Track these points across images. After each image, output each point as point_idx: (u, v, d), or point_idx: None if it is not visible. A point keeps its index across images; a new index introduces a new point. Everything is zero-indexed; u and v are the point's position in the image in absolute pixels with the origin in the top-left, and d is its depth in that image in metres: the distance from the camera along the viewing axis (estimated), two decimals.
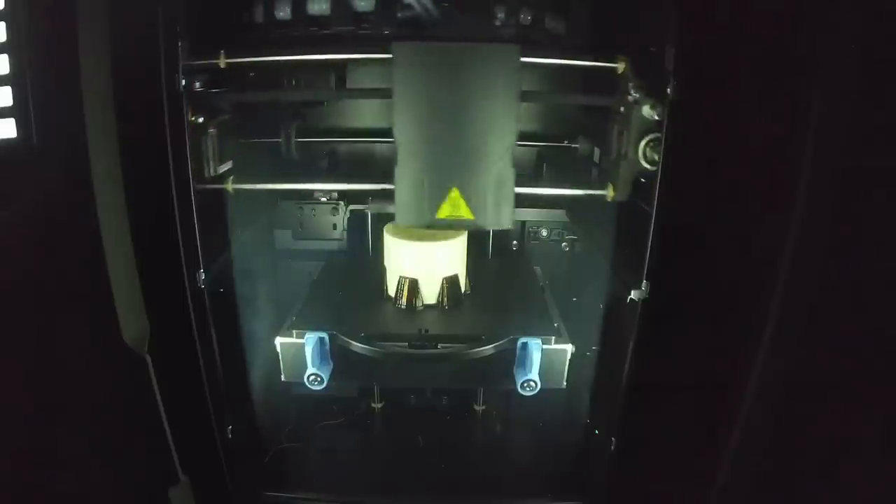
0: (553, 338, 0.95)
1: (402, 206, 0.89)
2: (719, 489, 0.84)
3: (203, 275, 0.92)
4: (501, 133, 0.86)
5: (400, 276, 1.05)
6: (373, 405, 1.23)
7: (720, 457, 0.83)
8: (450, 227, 0.90)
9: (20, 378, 0.74)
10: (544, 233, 1.36)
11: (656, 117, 0.84)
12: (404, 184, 0.88)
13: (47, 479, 0.78)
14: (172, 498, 1.01)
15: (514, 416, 1.24)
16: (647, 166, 0.88)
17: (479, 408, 1.24)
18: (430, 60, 0.84)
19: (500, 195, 0.88)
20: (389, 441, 1.19)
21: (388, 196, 0.91)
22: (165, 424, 0.98)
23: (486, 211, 0.89)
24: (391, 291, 1.07)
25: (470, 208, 0.88)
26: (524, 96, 0.86)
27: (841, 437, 0.70)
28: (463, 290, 1.09)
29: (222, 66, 0.89)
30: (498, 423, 1.24)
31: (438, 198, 0.88)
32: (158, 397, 0.96)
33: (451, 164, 0.87)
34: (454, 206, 0.88)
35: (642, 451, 1.02)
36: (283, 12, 0.99)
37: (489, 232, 1.32)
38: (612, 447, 1.01)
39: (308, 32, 1.00)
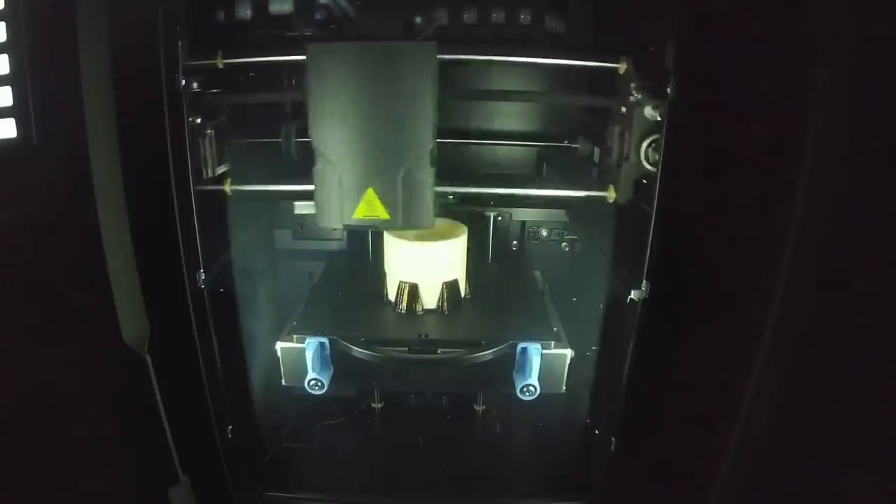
0: (552, 342, 0.96)
1: (321, 206, 0.89)
2: (719, 489, 0.84)
3: (203, 275, 0.92)
4: (417, 132, 0.85)
5: (400, 281, 1.05)
6: (373, 405, 1.24)
7: (720, 457, 0.83)
8: (368, 227, 0.90)
9: (20, 378, 0.74)
10: (544, 233, 1.36)
11: (658, 118, 0.84)
12: (321, 184, 0.88)
13: (47, 478, 0.78)
14: (172, 498, 1.01)
15: (514, 416, 1.24)
16: (649, 167, 0.88)
17: (479, 408, 1.24)
18: (345, 61, 0.82)
19: (416, 195, 0.87)
20: (389, 441, 1.19)
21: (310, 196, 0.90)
22: (165, 424, 0.98)
23: (401, 210, 0.88)
24: (391, 296, 1.07)
25: (385, 208, 0.88)
26: (525, 96, 0.86)
27: (841, 438, 0.70)
28: (463, 294, 1.09)
29: (220, 66, 0.89)
30: (498, 423, 1.24)
31: (355, 198, 0.88)
32: (158, 397, 0.96)
33: (367, 165, 0.86)
34: (370, 205, 0.88)
35: (642, 451, 1.02)
36: (281, 9, 0.99)
37: (489, 232, 1.32)
38: (612, 447, 1.01)
39: (306, 32, 1.00)
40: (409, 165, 0.86)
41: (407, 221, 0.89)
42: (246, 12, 0.98)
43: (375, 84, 0.83)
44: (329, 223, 0.90)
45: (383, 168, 0.86)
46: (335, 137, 0.85)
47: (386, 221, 0.89)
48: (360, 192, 0.87)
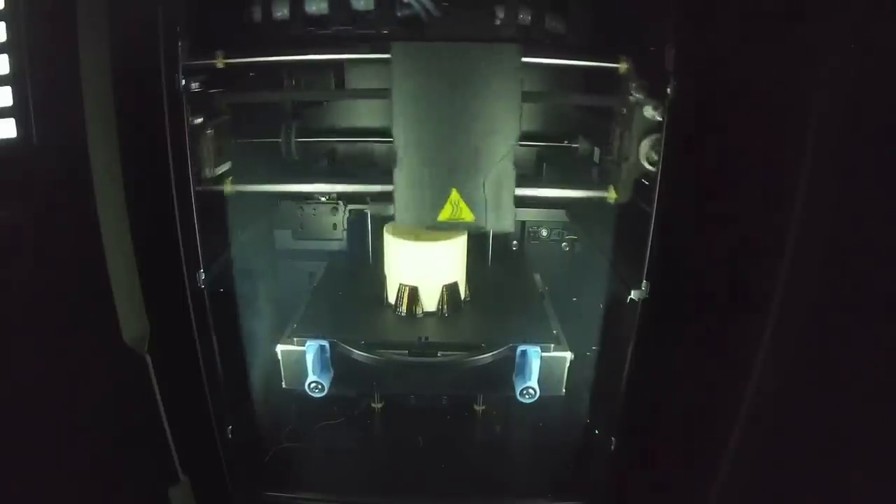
0: (552, 345, 0.96)
1: (402, 207, 0.89)
2: (719, 489, 0.84)
3: (203, 275, 0.92)
4: (502, 134, 0.85)
5: (400, 284, 1.05)
6: (373, 405, 1.23)
7: (720, 457, 0.83)
8: (451, 228, 0.90)
9: (20, 378, 0.74)
10: (544, 233, 1.36)
11: (658, 118, 0.84)
12: (404, 185, 0.88)
13: (47, 478, 0.78)
14: (172, 498, 1.01)
15: (515, 416, 1.24)
16: (650, 167, 0.88)
17: (479, 408, 1.24)
18: (429, 61, 0.83)
19: (500, 197, 0.88)
20: (389, 441, 1.19)
21: (387, 197, 0.90)
22: (165, 424, 0.98)
23: (487, 213, 0.88)
24: (391, 299, 1.07)
25: (471, 210, 0.88)
26: (525, 96, 0.86)
27: (841, 438, 0.70)
28: (462, 297, 1.09)
29: (220, 66, 0.89)
30: (498, 423, 1.24)
31: (439, 199, 0.88)
32: (158, 397, 0.96)
33: (451, 166, 0.87)
34: (455, 207, 0.88)
35: (642, 451, 1.02)
36: (282, 12, 0.99)
37: (489, 232, 1.32)
38: (612, 447, 1.01)
39: (306, 32, 1.00)
40: (494, 167, 0.86)
41: (493, 224, 0.89)
42: (283, 11, 0.98)
43: (458, 84, 0.83)
44: (412, 223, 0.90)
45: (468, 169, 0.86)
46: (418, 138, 0.85)
47: (471, 224, 0.89)
48: (445, 193, 0.87)
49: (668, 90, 0.81)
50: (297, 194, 1.26)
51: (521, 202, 1.09)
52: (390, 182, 0.89)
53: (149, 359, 0.94)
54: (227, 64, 0.90)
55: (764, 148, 0.78)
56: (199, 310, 0.93)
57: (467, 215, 0.88)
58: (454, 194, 0.88)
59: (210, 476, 1.04)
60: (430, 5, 0.92)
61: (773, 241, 0.72)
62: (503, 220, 0.89)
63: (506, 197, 0.88)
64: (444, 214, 0.88)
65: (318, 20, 0.99)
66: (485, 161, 0.86)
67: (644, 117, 0.86)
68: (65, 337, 0.82)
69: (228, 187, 0.96)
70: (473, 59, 0.83)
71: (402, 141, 0.86)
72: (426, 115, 0.85)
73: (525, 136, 1.35)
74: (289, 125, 1.16)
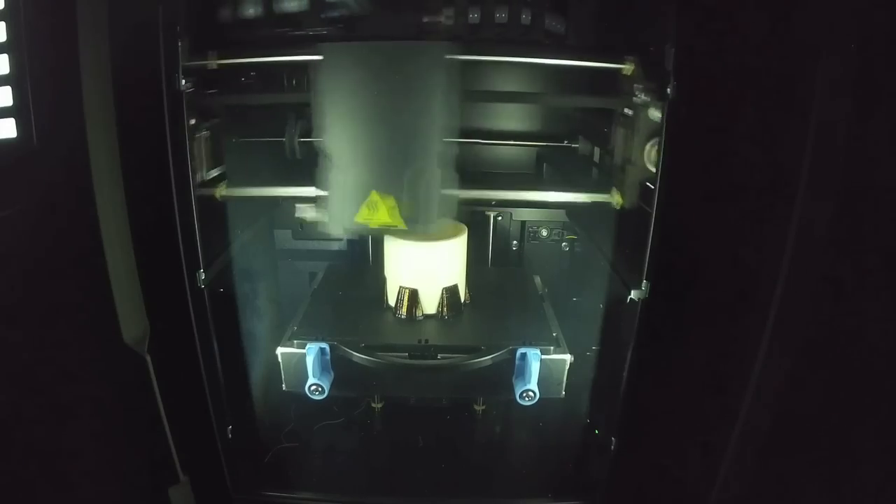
0: (552, 348, 0.96)
1: (329, 210, 0.88)
2: (719, 489, 0.84)
3: (203, 275, 0.92)
4: (426, 135, 0.84)
5: (400, 287, 1.05)
6: (373, 405, 1.23)
7: (720, 457, 0.83)
8: (373, 232, 0.88)
9: (20, 378, 0.74)
10: (544, 233, 1.36)
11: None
12: (329, 187, 0.87)
13: (47, 478, 0.78)
14: (172, 498, 1.01)
15: (514, 416, 1.24)
16: (653, 170, 0.87)
17: (479, 408, 1.24)
18: (356, 60, 0.81)
19: (424, 198, 0.86)
20: (389, 441, 1.19)
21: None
22: (165, 424, 0.98)
23: (410, 214, 0.87)
24: (391, 301, 1.07)
25: (391, 212, 0.87)
26: (528, 98, 0.86)
27: (842, 438, 0.70)
28: (462, 299, 1.09)
29: (214, 66, 0.89)
30: (498, 423, 1.24)
31: (360, 201, 0.87)
32: (158, 397, 0.96)
33: (373, 167, 0.85)
34: (375, 209, 0.87)
35: (642, 451, 1.02)
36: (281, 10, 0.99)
37: (489, 232, 1.32)
38: (613, 447, 1.01)
39: (294, 32, 0.99)
40: (418, 168, 0.85)
41: (413, 225, 0.88)
42: (251, 11, 0.95)
43: (386, 84, 0.81)
44: (335, 227, 0.89)
45: (390, 170, 0.85)
46: (343, 139, 0.84)
47: (391, 226, 0.87)
48: (365, 194, 0.86)
49: (668, 90, 0.81)
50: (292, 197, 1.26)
51: (523, 204, 1.09)
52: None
53: (149, 359, 0.94)
54: (224, 64, 0.89)
55: (764, 147, 0.78)
56: (199, 310, 0.93)
57: (386, 217, 0.87)
58: (373, 195, 0.86)
59: (210, 476, 1.04)
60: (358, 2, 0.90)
61: (774, 240, 0.72)
62: (426, 220, 0.88)
63: (430, 197, 0.87)
64: (362, 216, 0.87)
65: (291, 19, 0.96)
66: (408, 161, 0.85)
67: (649, 119, 0.85)
68: (65, 337, 0.82)
69: (219, 192, 0.95)
70: (399, 59, 0.81)
71: (327, 142, 0.84)
72: (350, 115, 0.83)
73: (525, 136, 1.37)
74: (291, 125, 1.16)
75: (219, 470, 1.04)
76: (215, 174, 0.98)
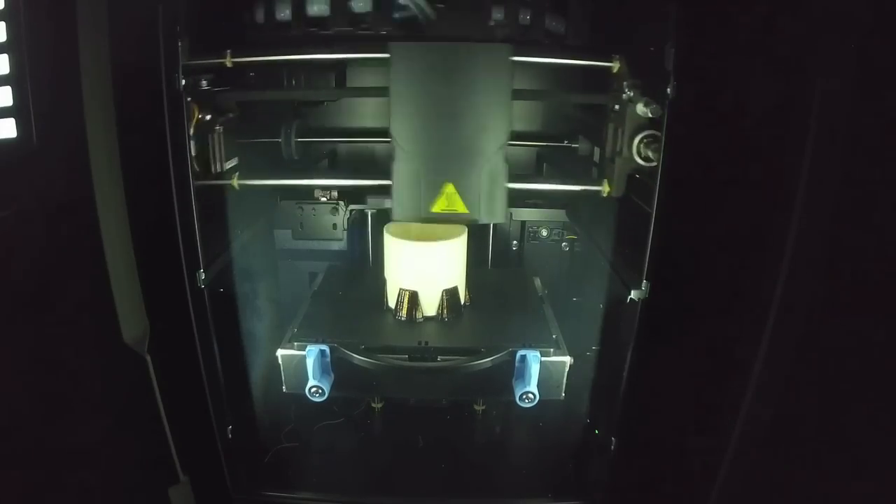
0: (551, 350, 0.96)
1: (399, 201, 0.91)
2: (719, 489, 0.84)
3: (203, 275, 0.92)
4: (494, 130, 0.88)
5: (400, 289, 1.05)
6: (373, 405, 1.23)
7: (720, 457, 0.83)
8: (446, 220, 0.92)
9: (20, 378, 0.74)
10: (544, 233, 1.36)
11: (650, 115, 0.86)
12: (400, 179, 0.90)
13: (47, 478, 0.78)
14: (172, 498, 1.01)
15: (514, 416, 1.24)
16: (642, 163, 0.90)
17: (478, 408, 1.24)
18: (425, 60, 0.86)
19: (493, 190, 0.90)
20: (389, 441, 1.19)
21: (385, 192, 0.92)
22: (165, 424, 0.98)
23: (480, 205, 0.91)
24: (391, 303, 1.07)
25: (464, 202, 0.90)
26: (522, 95, 0.88)
27: (842, 438, 0.70)
28: (462, 301, 1.09)
29: (229, 65, 0.90)
30: (498, 423, 1.24)
31: (434, 192, 0.90)
32: (158, 397, 0.96)
33: (446, 160, 0.89)
34: (449, 200, 0.90)
35: (642, 451, 1.02)
36: (284, 13, 1.00)
37: (490, 232, 1.32)
38: (613, 447, 1.01)
39: (307, 33, 1.00)
40: (487, 162, 0.88)
41: (485, 215, 0.91)
42: (285, 13, 1.00)
43: (453, 83, 0.86)
44: (408, 216, 0.92)
45: (462, 164, 0.89)
46: (415, 134, 0.88)
47: (465, 215, 0.91)
48: (439, 186, 0.90)
49: (668, 90, 0.82)
50: (300, 189, 1.27)
51: (517, 197, 1.11)
52: (388, 178, 0.91)
53: (149, 359, 0.94)
54: (228, 63, 0.90)
55: (764, 146, 0.78)
56: (199, 310, 0.93)
57: (461, 207, 0.91)
58: (449, 187, 0.90)
59: (210, 476, 1.04)
60: (425, 7, 0.94)
61: (774, 240, 0.72)
62: (495, 213, 0.92)
63: (498, 190, 0.90)
64: (439, 206, 0.91)
65: (319, 21, 1.00)
66: (478, 156, 0.89)
67: (635, 114, 0.88)
68: (65, 337, 0.82)
69: (234, 183, 0.97)
70: (466, 59, 0.86)
71: (400, 137, 0.88)
72: (422, 112, 0.87)
73: (525, 136, 1.37)
74: (289, 125, 1.16)
75: (219, 470, 1.04)
76: (230, 165, 0.98)
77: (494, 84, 0.86)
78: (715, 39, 0.84)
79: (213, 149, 0.94)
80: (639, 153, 0.89)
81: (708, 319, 0.90)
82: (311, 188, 1.21)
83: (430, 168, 0.89)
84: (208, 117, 0.92)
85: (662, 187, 0.85)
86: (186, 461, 1.03)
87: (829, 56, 0.66)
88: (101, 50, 0.82)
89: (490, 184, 0.90)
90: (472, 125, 0.87)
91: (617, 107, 0.92)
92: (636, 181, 0.93)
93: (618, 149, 0.92)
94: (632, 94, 0.88)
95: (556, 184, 1.03)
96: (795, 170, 0.69)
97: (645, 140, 0.89)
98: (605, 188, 0.95)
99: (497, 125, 0.87)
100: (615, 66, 0.90)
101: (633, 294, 0.91)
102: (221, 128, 0.94)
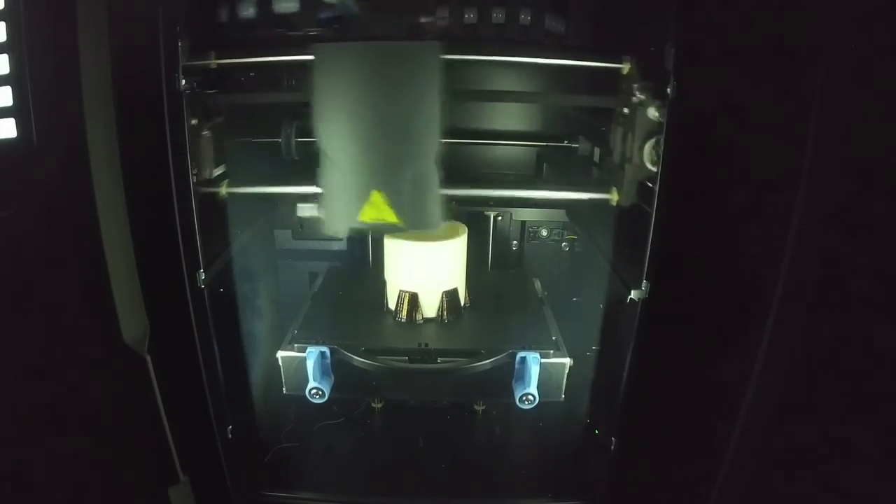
0: (551, 351, 0.96)
1: (327, 210, 0.88)
2: (719, 489, 0.84)
3: (203, 275, 0.92)
4: (423, 135, 0.83)
5: (400, 290, 1.05)
6: (373, 405, 1.24)
7: (720, 457, 0.83)
8: (374, 230, 0.88)
9: (20, 378, 0.74)
10: (544, 233, 1.36)
11: (663, 119, 0.84)
12: (328, 188, 0.86)
13: (47, 478, 0.78)
14: (172, 498, 1.01)
15: (514, 416, 1.24)
16: (652, 169, 0.87)
17: (478, 408, 1.24)
18: (349, 61, 0.81)
19: (424, 197, 0.86)
20: (389, 441, 1.19)
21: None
22: (165, 424, 0.98)
23: (411, 212, 0.86)
24: (391, 305, 1.07)
25: (394, 210, 0.86)
26: (528, 97, 0.86)
27: (842, 439, 0.70)
28: (462, 302, 1.09)
29: (214, 66, 0.89)
30: (498, 423, 1.24)
31: (361, 201, 0.86)
32: (158, 397, 0.96)
33: (371, 168, 0.85)
34: (377, 209, 0.86)
35: (642, 451, 1.02)
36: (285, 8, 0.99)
37: (489, 232, 1.32)
38: (613, 447, 1.01)
39: (274, 33, 0.99)
40: (416, 167, 0.84)
41: (415, 224, 0.87)
42: (249, 11, 0.95)
43: (381, 84, 0.81)
44: (335, 227, 0.88)
45: (390, 170, 0.85)
46: (341, 139, 0.84)
47: (395, 225, 0.87)
48: (367, 194, 0.86)
49: (669, 90, 0.81)
50: (295, 196, 1.26)
51: (523, 204, 1.10)
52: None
53: (149, 359, 0.94)
54: (224, 64, 0.90)
55: (765, 147, 0.78)
56: (199, 310, 0.93)
57: (390, 216, 0.86)
58: (376, 195, 0.85)
59: (210, 476, 1.04)
60: (351, 5, 0.90)
61: (774, 240, 0.72)
62: (428, 220, 0.87)
63: (431, 197, 0.86)
64: (367, 215, 0.86)
65: (286, 21, 0.97)
66: (406, 162, 0.84)
67: (647, 118, 0.85)
68: (65, 337, 0.82)
69: (222, 191, 0.95)
70: (392, 59, 0.81)
71: (325, 144, 0.84)
72: (348, 116, 0.83)
73: (525, 136, 1.37)
74: (288, 125, 1.16)
75: (219, 470, 1.04)
76: (218, 173, 0.98)
77: (423, 86, 0.81)
78: (715, 40, 0.84)
79: (200, 154, 0.92)
80: (649, 159, 0.86)
81: (708, 319, 0.90)
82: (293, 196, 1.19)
83: (357, 176, 0.85)
84: (195, 121, 0.89)
85: (663, 187, 0.85)
86: (186, 461, 1.03)
87: (832, 56, 0.66)
88: (101, 50, 0.82)
89: (421, 190, 0.85)
90: (400, 130, 0.83)
91: (626, 110, 0.90)
92: (642, 186, 0.92)
93: (627, 155, 0.89)
94: (642, 97, 0.85)
95: (563, 191, 1.02)
96: (795, 170, 0.69)
97: (656, 145, 0.86)
98: (613, 196, 0.93)
99: (426, 129, 0.83)
100: (625, 67, 0.88)
101: (633, 294, 0.91)
102: (209, 132, 0.93)
